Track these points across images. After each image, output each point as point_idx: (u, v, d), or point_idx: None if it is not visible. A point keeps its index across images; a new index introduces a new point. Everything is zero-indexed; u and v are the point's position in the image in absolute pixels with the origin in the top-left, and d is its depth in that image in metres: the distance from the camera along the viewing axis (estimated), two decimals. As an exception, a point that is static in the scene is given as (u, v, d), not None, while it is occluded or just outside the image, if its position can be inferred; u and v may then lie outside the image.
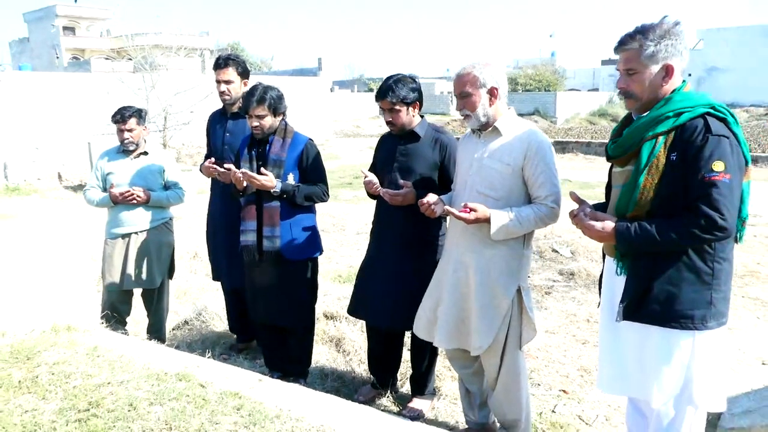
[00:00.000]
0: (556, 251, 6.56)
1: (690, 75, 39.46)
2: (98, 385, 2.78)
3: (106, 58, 31.27)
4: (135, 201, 3.94)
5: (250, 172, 3.23)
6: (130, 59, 17.54)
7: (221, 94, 3.86)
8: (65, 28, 45.37)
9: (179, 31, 35.08)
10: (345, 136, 26.01)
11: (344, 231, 7.97)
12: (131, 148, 4.04)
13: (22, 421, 2.50)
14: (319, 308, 4.53)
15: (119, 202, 3.94)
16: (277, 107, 3.34)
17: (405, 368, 3.65)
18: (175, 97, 15.20)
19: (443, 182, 3.10)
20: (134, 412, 2.55)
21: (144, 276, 4.01)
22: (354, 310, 3.37)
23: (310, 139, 3.50)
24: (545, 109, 35.30)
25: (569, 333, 4.40)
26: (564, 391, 3.60)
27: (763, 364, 3.97)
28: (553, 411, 3.38)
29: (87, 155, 13.12)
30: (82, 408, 2.59)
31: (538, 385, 3.67)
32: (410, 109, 3.07)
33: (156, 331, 4.24)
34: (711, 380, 2.20)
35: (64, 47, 44.00)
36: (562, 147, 19.33)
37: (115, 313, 4.04)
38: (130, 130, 3.97)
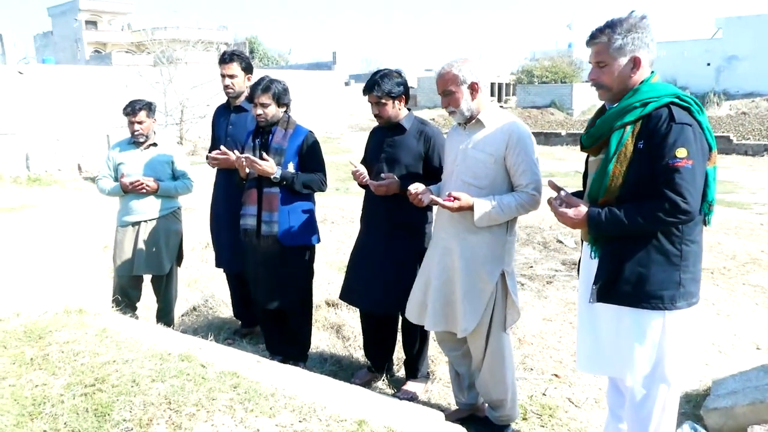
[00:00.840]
0: (561, 242, 6.63)
1: (709, 64, 38.81)
2: (104, 363, 2.93)
3: (127, 52, 31.67)
4: (145, 190, 4.10)
5: (252, 157, 3.39)
6: (150, 53, 17.79)
7: (225, 87, 4.02)
8: (88, 22, 46.08)
9: (198, 25, 35.44)
10: (360, 130, 26.10)
11: (353, 222, 8.09)
12: (141, 140, 4.20)
13: (32, 394, 2.67)
14: (322, 296, 4.68)
15: (129, 191, 4.11)
16: (280, 97, 3.48)
17: (400, 353, 3.77)
18: (191, 90, 15.44)
19: (428, 172, 3.23)
20: (137, 388, 2.70)
21: (153, 262, 4.18)
22: (345, 295, 3.51)
23: (311, 131, 3.64)
24: (561, 102, 35.06)
25: (566, 320, 4.48)
26: (556, 375, 3.70)
27: (758, 348, 4.03)
28: (543, 394, 3.49)
29: (105, 147, 13.42)
30: (88, 383, 2.75)
31: (531, 369, 3.77)
32: (396, 102, 3.21)
33: (165, 317, 4.42)
34: (682, 359, 2.30)
35: (86, 41, 44.72)
36: (575, 140, 19.24)
37: (126, 298, 4.22)
38: (140, 122, 4.14)
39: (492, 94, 40.90)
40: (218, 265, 4.36)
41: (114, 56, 32.58)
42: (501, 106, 34.98)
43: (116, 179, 4.23)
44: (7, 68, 15.24)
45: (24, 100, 14.05)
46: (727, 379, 3.25)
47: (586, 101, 34.68)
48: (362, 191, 3.50)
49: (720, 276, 5.46)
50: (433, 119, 27.35)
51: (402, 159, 3.23)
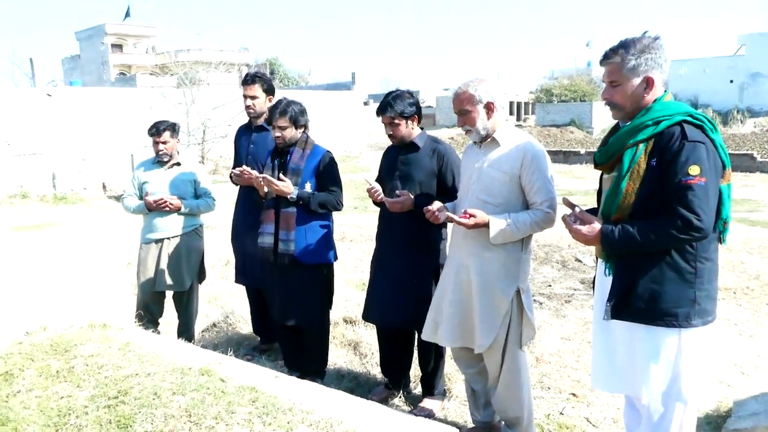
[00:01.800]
0: (579, 261, 6.61)
1: (732, 81, 38.43)
2: (127, 376, 3.00)
3: (151, 74, 32.36)
4: (168, 208, 4.20)
5: (269, 177, 3.48)
6: (173, 75, 18.18)
7: (247, 108, 4.14)
8: (113, 46, 47.17)
9: (220, 47, 36.13)
10: (379, 149, 26.25)
11: (371, 240, 8.11)
12: (165, 159, 4.32)
13: (58, 405, 2.74)
14: (340, 313, 4.72)
15: (153, 209, 4.22)
16: (297, 120, 3.57)
17: (417, 370, 3.79)
18: (213, 111, 15.71)
19: (441, 189, 3.29)
20: (158, 401, 2.76)
21: (175, 278, 4.27)
22: (366, 314, 3.57)
23: (328, 151, 3.71)
24: (581, 120, 34.96)
25: (584, 340, 4.46)
26: (574, 394, 3.68)
27: (780, 371, 3.97)
28: (561, 413, 3.47)
29: (130, 166, 13.69)
30: (111, 395, 2.81)
31: (549, 388, 3.76)
32: (409, 122, 3.29)
33: (185, 332, 4.49)
34: (700, 378, 2.29)
35: (112, 63, 45.73)
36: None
37: (148, 313, 4.31)
38: (164, 142, 4.25)
39: (511, 113, 41.00)
40: (238, 280, 4.43)
41: (138, 78, 33.29)
42: (520, 125, 35.04)
43: (141, 198, 4.34)
44: (36, 91, 15.68)
45: (52, 121, 14.43)
46: (749, 401, 3.21)
47: (607, 119, 34.53)
48: (378, 210, 3.56)
49: (743, 296, 5.39)
50: (452, 138, 27.45)
51: (415, 176, 3.30)
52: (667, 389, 2.29)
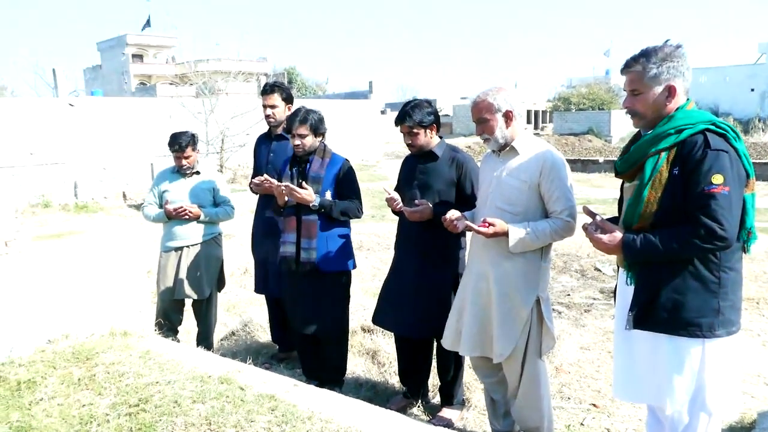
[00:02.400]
0: (599, 270, 6.55)
1: (753, 90, 37.98)
2: (148, 384, 3.02)
3: (171, 84, 32.75)
4: (187, 216, 4.24)
5: (292, 186, 3.49)
6: (193, 84, 18.38)
7: (267, 117, 4.18)
8: (134, 56, 47.92)
9: (238, 57, 36.49)
10: (396, 158, 26.31)
11: (389, 249, 8.12)
12: (188, 173, 4.36)
13: (80, 413, 2.77)
14: (357, 321, 4.72)
15: (173, 218, 4.25)
16: (317, 128, 3.59)
17: (436, 379, 3.77)
18: (232, 120, 15.85)
19: (460, 198, 3.28)
20: (178, 409, 2.78)
21: (194, 286, 4.30)
22: (377, 319, 3.56)
23: (347, 159, 3.73)
24: (599, 128, 34.73)
25: (604, 349, 4.41)
26: (594, 405, 3.64)
27: (806, 383, 3.89)
28: (581, 424, 3.43)
29: (149, 175, 13.86)
30: (132, 403, 2.84)
31: (569, 398, 3.72)
32: (427, 131, 3.29)
33: (204, 340, 4.51)
34: (724, 389, 2.26)
35: (133, 73, 46.42)
36: (613, 167, 18.95)
37: (168, 321, 4.34)
38: (187, 157, 4.29)
39: (529, 122, 40.88)
40: (257, 290, 4.45)
41: (158, 88, 33.74)
42: (538, 134, 34.85)
43: (161, 206, 4.38)
44: (58, 101, 15.95)
45: (73, 131, 14.68)
46: (774, 412, 3.16)
47: (625, 128, 34.30)
48: (397, 218, 3.56)
49: (766, 306, 5.31)
50: (469, 147, 27.39)
51: (434, 185, 3.29)
52: (692, 400, 2.26)
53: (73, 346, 3.49)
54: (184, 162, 4.29)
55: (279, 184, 3.56)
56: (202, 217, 4.30)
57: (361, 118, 23.58)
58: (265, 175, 3.89)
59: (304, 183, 3.55)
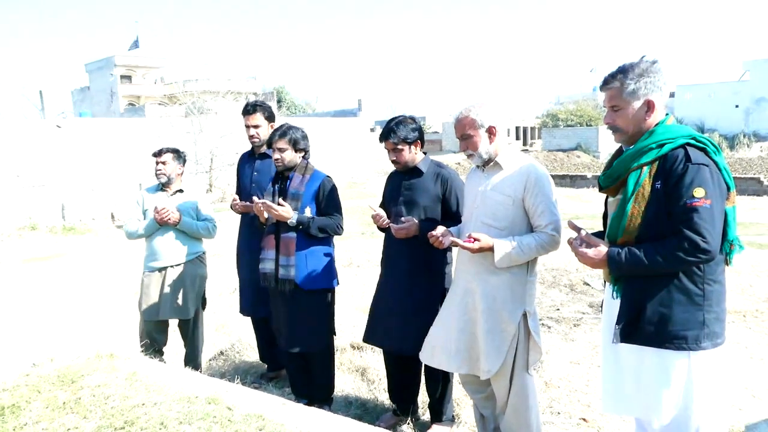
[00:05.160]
0: (588, 284, 6.57)
1: (737, 106, 38.54)
2: (134, 406, 2.98)
3: (159, 104, 32.78)
4: (168, 218, 4.18)
5: (268, 202, 3.50)
6: (182, 104, 18.43)
7: (251, 137, 4.19)
8: (123, 77, 47.88)
9: (228, 76, 36.62)
10: (386, 175, 26.38)
11: (378, 266, 8.13)
12: (163, 180, 4.34)
13: (64, 437, 2.73)
14: (347, 339, 4.70)
15: (159, 222, 4.20)
16: (297, 143, 3.61)
17: (426, 396, 3.75)
18: (221, 139, 15.88)
19: (446, 214, 3.29)
20: (165, 430, 2.74)
21: (178, 306, 4.26)
22: (367, 336, 3.54)
23: (328, 176, 3.74)
24: (587, 144, 35.05)
25: (593, 363, 4.41)
26: (584, 419, 3.63)
27: (793, 395, 3.90)
28: (571, 439, 3.42)
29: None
30: (118, 426, 2.80)
31: (558, 413, 3.71)
32: (412, 147, 3.31)
33: (192, 360, 4.47)
34: (712, 401, 2.26)
35: (121, 94, 46.38)
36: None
37: (153, 342, 4.30)
38: (163, 163, 4.30)
39: (517, 138, 41.15)
40: (242, 311, 4.41)
41: (147, 108, 33.76)
42: (527, 150, 35.05)
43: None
44: (45, 123, 15.91)
45: (61, 153, 14.63)
46: (761, 424, 3.18)
47: (613, 144, 34.27)
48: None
49: (753, 319, 5.34)
50: (459, 163, 27.53)
51: (420, 201, 3.31)
52: (679, 414, 2.26)
53: (58, 370, 3.44)
54: (159, 167, 4.29)
55: (258, 201, 3.56)
56: (182, 224, 4.25)
57: (350, 136, 23.69)
58: (236, 197, 3.89)
59: (280, 200, 3.54)
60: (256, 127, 4.16)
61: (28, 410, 2.97)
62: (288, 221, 3.51)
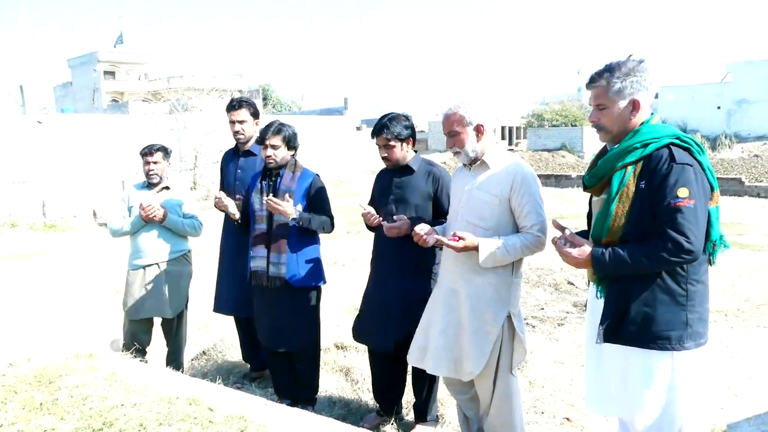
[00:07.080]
0: (572, 284, 6.59)
1: (719, 107, 38.97)
2: (112, 407, 2.93)
3: (143, 101, 32.43)
4: (153, 215, 4.11)
5: (275, 199, 3.44)
6: (166, 101, 18.27)
7: (236, 133, 4.13)
8: (106, 73, 47.34)
9: (213, 73, 36.37)
10: (371, 173, 26.35)
11: (363, 265, 8.10)
12: (154, 180, 4.28)
13: (40, 439, 2.67)
14: (331, 338, 4.67)
15: (145, 219, 4.13)
16: (290, 141, 3.57)
17: (410, 396, 3.73)
18: (205, 136, 15.75)
19: (437, 212, 3.27)
20: (144, 432, 2.70)
21: (163, 305, 4.20)
22: (356, 334, 3.52)
23: (317, 175, 3.71)
24: (572, 144, 35.25)
25: (578, 363, 4.42)
26: (568, 419, 3.63)
27: (773, 393, 3.94)
28: (555, 439, 3.42)
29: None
30: (96, 427, 2.74)
31: (542, 413, 3.71)
32: (404, 144, 3.28)
33: (174, 360, 4.41)
34: (695, 401, 2.26)
35: (105, 90, 45.87)
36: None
37: (136, 341, 4.23)
38: (155, 162, 4.24)
39: (503, 138, 41.24)
40: (216, 309, 4.29)
41: (131, 105, 33.39)
42: (512, 149, 35.23)
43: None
44: (26, 118, 15.68)
45: (42, 149, 14.41)
46: (742, 423, 3.19)
47: (597, 144, 34.64)
48: (371, 234, 3.53)
49: (734, 318, 5.38)
50: (445, 162, 27.54)
51: (411, 200, 3.28)
52: (662, 413, 2.26)
53: (35, 369, 3.37)
54: (151, 167, 4.22)
55: (267, 199, 3.48)
56: (167, 221, 4.20)
57: (336, 135, 23.63)
58: (221, 193, 3.85)
59: (287, 196, 3.50)
60: (241, 122, 4.11)
61: (3, 411, 2.91)
62: (290, 218, 3.47)
